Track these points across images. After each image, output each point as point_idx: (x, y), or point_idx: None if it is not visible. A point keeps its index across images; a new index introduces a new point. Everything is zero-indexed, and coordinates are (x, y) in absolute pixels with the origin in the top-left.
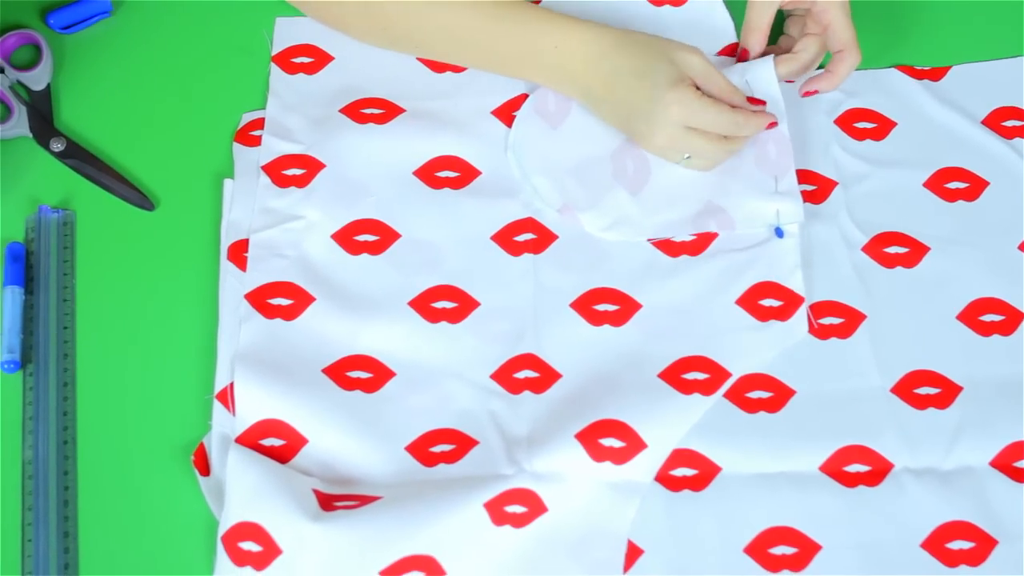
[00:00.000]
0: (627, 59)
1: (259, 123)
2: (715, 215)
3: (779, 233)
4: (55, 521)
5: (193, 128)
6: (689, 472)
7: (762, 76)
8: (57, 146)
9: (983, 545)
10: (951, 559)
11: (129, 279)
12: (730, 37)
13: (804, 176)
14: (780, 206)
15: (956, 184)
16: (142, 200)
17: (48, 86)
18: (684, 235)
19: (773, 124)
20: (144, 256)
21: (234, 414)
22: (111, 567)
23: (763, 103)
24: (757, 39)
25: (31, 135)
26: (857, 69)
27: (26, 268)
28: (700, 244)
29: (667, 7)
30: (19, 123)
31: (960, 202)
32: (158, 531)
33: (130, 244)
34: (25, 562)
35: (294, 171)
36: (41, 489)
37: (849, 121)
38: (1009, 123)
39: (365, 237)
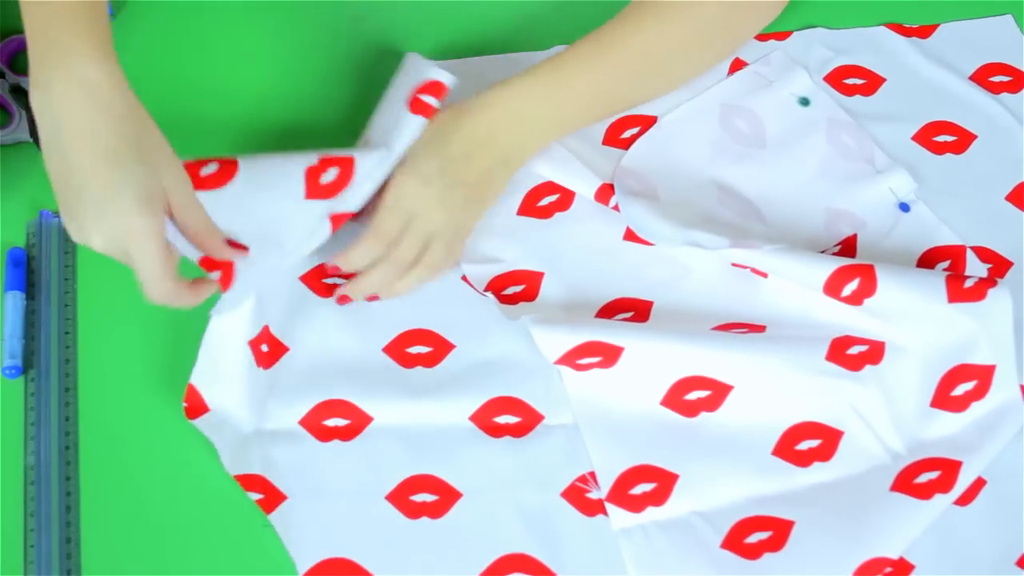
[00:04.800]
0: (110, 134)
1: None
2: (842, 218)
3: (905, 208)
4: (57, 527)
5: (194, 132)
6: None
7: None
8: None
9: None
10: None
11: (131, 284)
12: (728, 59)
13: None
14: (890, 183)
15: (944, 138)
16: None
17: None
18: (831, 248)
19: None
20: None
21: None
22: (113, 572)
23: (244, 249)
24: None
25: (32, 140)
26: (847, 27)
27: (27, 273)
28: (848, 249)
29: None
30: (20, 128)
31: (948, 155)
32: (160, 536)
33: None
34: (27, 567)
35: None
36: (43, 495)
37: (838, 78)
38: (996, 79)
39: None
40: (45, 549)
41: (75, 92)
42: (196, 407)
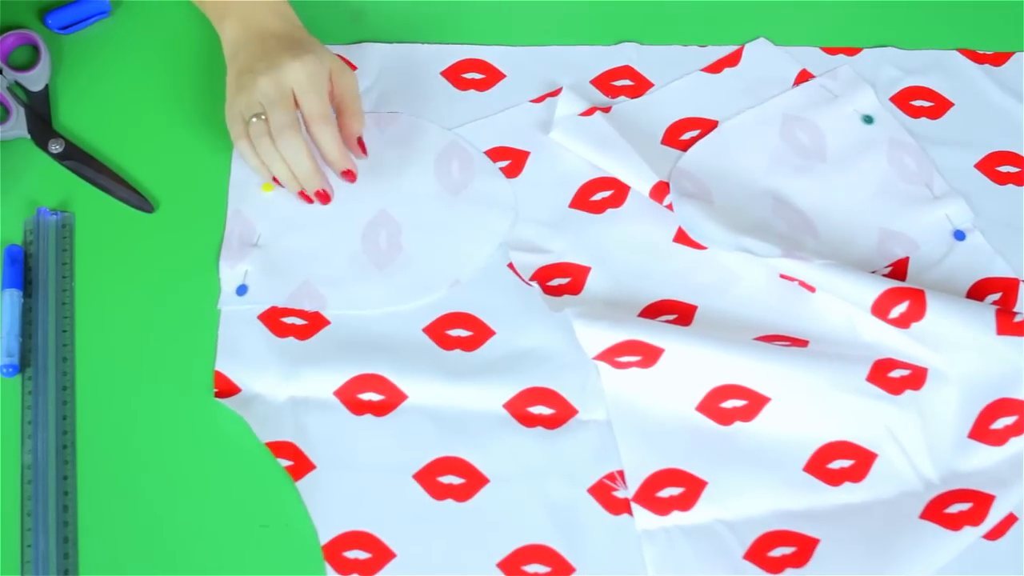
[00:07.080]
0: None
1: None
2: (895, 240)
3: (960, 236)
4: (54, 525)
5: (192, 129)
6: None
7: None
8: (55, 147)
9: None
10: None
11: (128, 282)
12: (795, 70)
13: None
14: (947, 210)
15: (1008, 168)
16: (141, 202)
17: (46, 87)
18: (882, 269)
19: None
20: (144, 259)
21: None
22: (111, 572)
23: (364, 153)
24: None
25: (29, 136)
26: (920, 48)
27: (25, 271)
28: (899, 272)
29: (727, 70)
30: (17, 124)
31: (1010, 186)
32: (158, 536)
33: (129, 246)
34: (24, 567)
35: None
36: (40, 493)
37: (905, 99)
38: None
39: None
40: (42, 548)
41: (269, 10)
42: (226, 390)
